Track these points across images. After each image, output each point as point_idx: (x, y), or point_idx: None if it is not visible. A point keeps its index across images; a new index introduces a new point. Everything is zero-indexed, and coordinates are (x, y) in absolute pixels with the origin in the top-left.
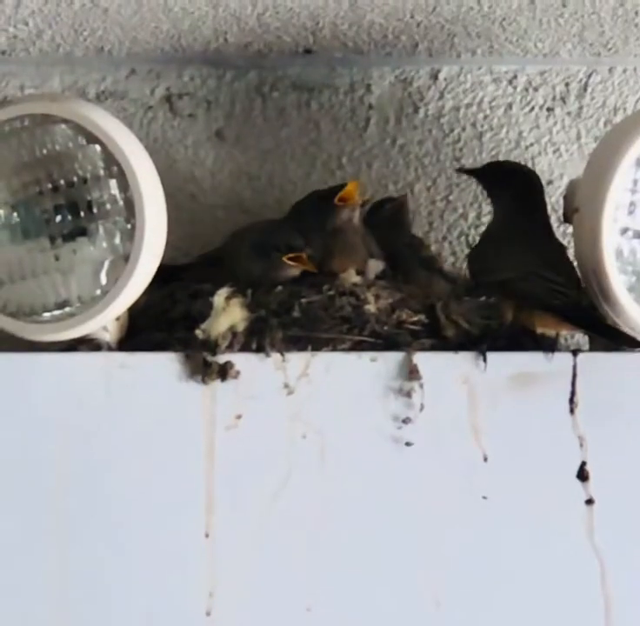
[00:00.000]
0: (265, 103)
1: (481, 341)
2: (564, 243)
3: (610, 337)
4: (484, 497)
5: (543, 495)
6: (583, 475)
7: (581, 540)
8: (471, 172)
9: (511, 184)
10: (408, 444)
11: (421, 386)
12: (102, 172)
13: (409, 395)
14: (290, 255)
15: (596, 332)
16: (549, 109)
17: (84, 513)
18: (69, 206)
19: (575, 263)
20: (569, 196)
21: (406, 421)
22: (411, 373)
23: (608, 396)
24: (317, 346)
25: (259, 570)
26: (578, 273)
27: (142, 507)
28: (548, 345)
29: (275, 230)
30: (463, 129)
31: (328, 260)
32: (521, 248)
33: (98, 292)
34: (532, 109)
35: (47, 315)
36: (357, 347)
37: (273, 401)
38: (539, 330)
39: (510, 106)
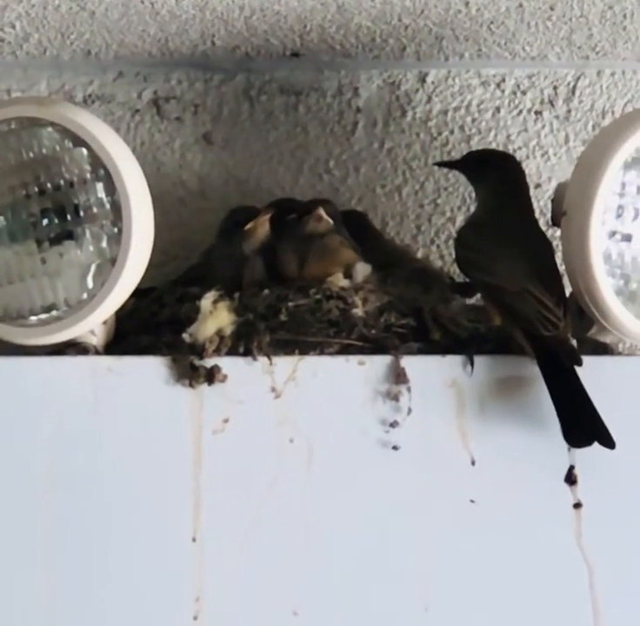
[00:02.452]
0: (253, 107)
1: (468, 345)
2: (553, 246)
3: (569, 384)
4: (472, 501)
5: (531, 498)
6: (571, 478)
7: (569, 544)
8: (451, 164)
9: (492, 170)
10: (395, 448)
11: (408, 390)
12: (88, 175)
13: (396, 398)
14: (250, 224)
15: (553, 377)
16: (537, 113)
17: (72, 517)
18: (55, 209)
19: (563, 267)
20: (557, 200)
21: (394, 424)
22: (399, 377)
23: (596, 399)
24: (305, 350)
25: (246, 574)
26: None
27: (129, 511)
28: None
29: (233, 211)
30: (451, 132)
31: (306, 265)
32: (510, 246)
33: (85, 296)
34: (520, 112)
35: (34, 318)
36: (345, 350)
37: (260, 405)
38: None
39: (497, 109)
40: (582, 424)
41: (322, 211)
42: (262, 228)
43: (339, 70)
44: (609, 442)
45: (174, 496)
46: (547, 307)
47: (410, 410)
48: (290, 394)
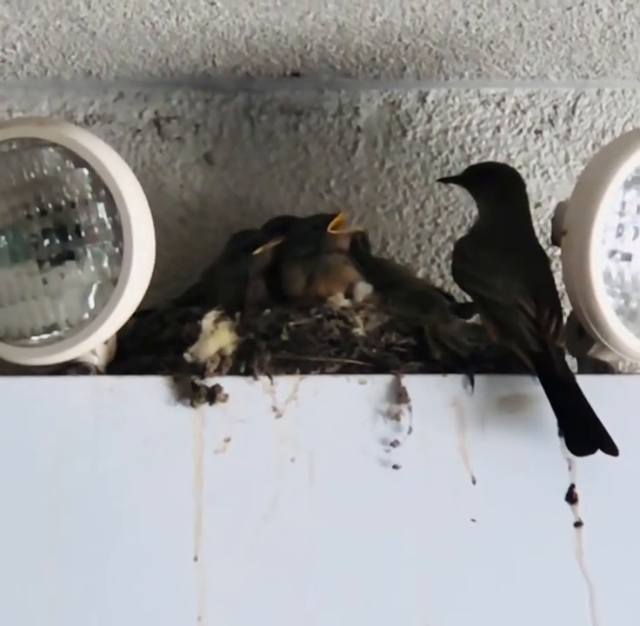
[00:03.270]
0: (253, 127)
1: (469, 364)
2: (552, 266)
3: (560, 398)
4: (473, 520)
5: (532, 517)
6: (571, 497)
7: (570, 562)
8: (453, 180)
9: (492, 182)
10: (396, 467)
11: (409, 409)
12: (90, 196)
13: (397, 418)
14: (258, 251)
15: (552, 388)
16: (537, 132)
17: (73, 536)
18: (57, 230)
19: (563, 286)
20: (557, 219)
21: (395, 444)
22: (400, 396)
23: None
24: (306, 369)
25: (248, 593)
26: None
27: (131, 530)
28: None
29: (240, 235)
30: (452, 151)
31: (312, 283)
32: (507, 260)
33: (86, 316)
34: (520, 131)
35: (35, 338)
36: (346, 370)
37: (262, 424)
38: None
39: (498, 129)
40: (584, 433)
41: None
42: (268, 253)
43: (339, 90)
44: (612, 450)
45: (176, 516)
46: (536, 322)
47: (410, 429)
48: (291, 413)
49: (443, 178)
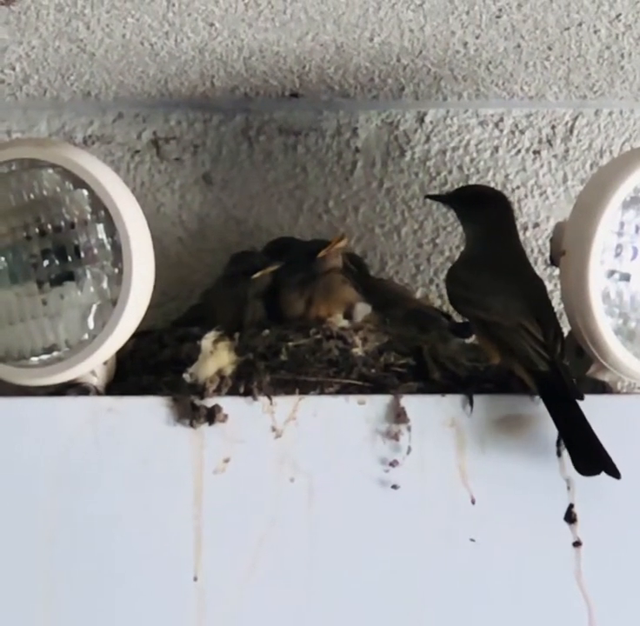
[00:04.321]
0: (252, 147)
1: (468, 384)
2: (551, 285)
3: (572, 416)
4: (472, 540)
5: (531, 537)
6: (570, 517)
7: (569, 582)
8: (442, 198)
9: (484, 207)
10: (395, 487)
11: (408, 429)
12: (89, 217)
13: (396, 438)
14: (257, 274)
15: (557, 409)
16: (535, 152)
17: (73, 556)
18: (56, 251)
19: (561, 306)
20: (555, 239)
21: (394, 464)
22: (399, 416)
23: None
24: (305, 389)
25: (247, 613)
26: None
27: (130, 550)
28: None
29: (240, 257)
30: (450, 172)
31: (311, 305)
32: (504, 282)
33: (86, 336)
34: (519, 151)
35: (35, 359)
36: (345, 390)
37: (261, 444)
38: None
39: (496, 149)
40: (589, 454)
41: (342, 242)
42: (266, 277)
43: (338, 111)
44: (614, 472)
45: (175, 536)
46: (540, 342)
47: (409, 449)
48: (290, 433)
49: (431, 195)
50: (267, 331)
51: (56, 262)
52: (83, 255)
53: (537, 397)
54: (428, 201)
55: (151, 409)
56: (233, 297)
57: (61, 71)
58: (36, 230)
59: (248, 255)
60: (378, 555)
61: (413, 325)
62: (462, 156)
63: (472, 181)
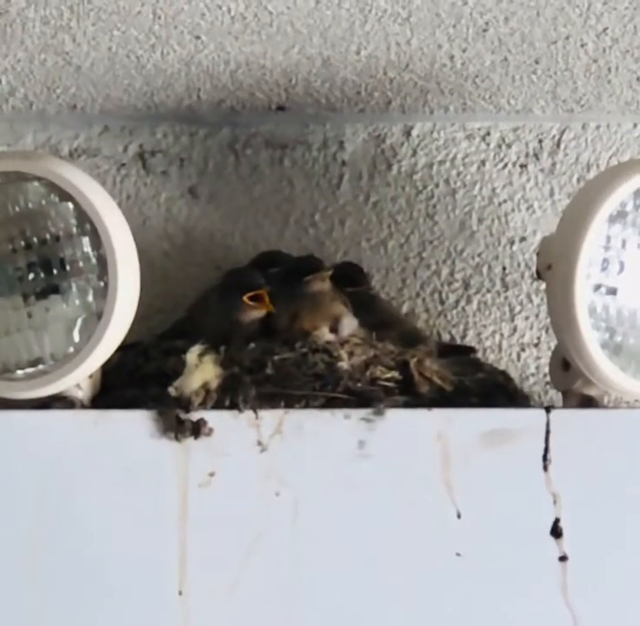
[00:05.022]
0: (238, 160)
1: (454, 398)
2: (537, 299)
3: None
4: (458, 554)
5: (517, 551)
6: (556, 531)
7: (555, 597)
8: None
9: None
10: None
11: (391, 444)
12: (74, 230)
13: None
14: (250, 294)
15: None
16: (522, 166)
17: (57, 570)
18: (42, 264)
19: (548, 320)
20: (542, 253)
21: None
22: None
23: (581, 453)
24: (290, 403)
25: None
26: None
27: (115, 564)
28: None
29: (236, 273)
30: (437, 185)
31: (297, 319)
32: None
33: (71, 350)
34: (505, 165)
35: (20, 372)
36: (331, 404)
37: (246, 458)
38: None
39: (483, 163)
40: None
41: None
42: (258, 312)
43: (324, 124)
44: None
45: (160, 550)
46: None
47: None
48: (276, 447)
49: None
50: (252, 345)
51: (42, 275)
52: (68, 268)
53: (524, 411)
54: (414, 215)
55: (136, 423)
56: (225, 312)
57: (47, 84)
58: (22, 243)
59: (244, 272)
60: (364, 569)
61: (406, 346)
62: (448, 169)
63: (459, 195)
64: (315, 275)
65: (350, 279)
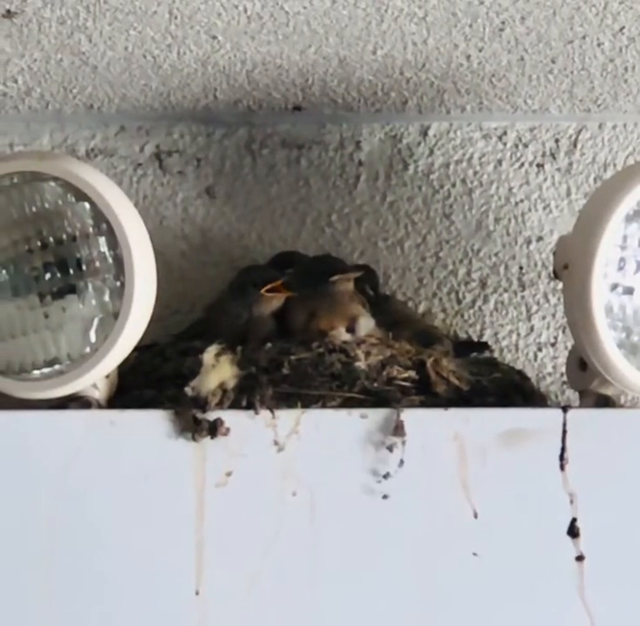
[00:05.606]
0: (255, 161)
1: (471, 398)
2: (554, 299)
3: None
4: (475, 554)
5: (534, 551)
6: (573, 531)
7: (571, 596)
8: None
9: None
10: (385, 497)
11: (403, 443)
12: (91, 230)
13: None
14: (267, 286)
15: None
16: (539, 166)
17: (74, 570)
18: (58, 264)
19: (564, 320)
20: (559, 253)
21: (391, 476)
22: (397, 429)
23: (598, 452)
24: (307, 403)
25: None
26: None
27: (132, 564)
28: None
29: (249, 269)
30: (453, 185)
31: (314, 317)
32: None
33: (88, 350)
34: (522, 165)
35: (37, 372)
36: (347, 404)
37: (263, 458)
38: None
39: (499, 162)
40: None
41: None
42: (277, 300)
43: (341, 124)
44: None
45: (177, 550)
46: None
47: (402, 462)
48: (292, 447)
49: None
50: (269, 345)
51: (58, 275)
52: (85, 268)
53: (541, 410)
54: (431, 214)
55: (153, 423)
56: (239, 311)
57: (63, 84)
58: (38, 243)
59: (256, 268)
60: (381, 568)
61: (420, 345)
62: (465, 169)
63: (476, 194)
64: (343, 275)
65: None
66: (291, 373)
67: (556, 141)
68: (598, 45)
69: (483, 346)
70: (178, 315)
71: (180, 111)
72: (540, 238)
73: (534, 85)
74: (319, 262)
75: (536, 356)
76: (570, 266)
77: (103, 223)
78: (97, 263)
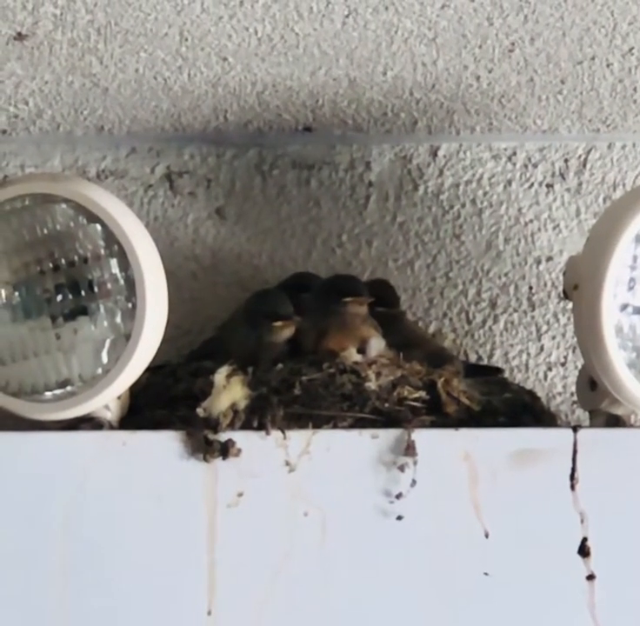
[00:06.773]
0: (265, 181)
1: (482, 418)
2: (564, 319)
3: None
4: (486, 574)
5: (545, 570)
6: (584, 550)
7: (582, 616)
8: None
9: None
10: (399, 518)
11: (415, 463)
12: (102, 251)
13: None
14: (279, 323)
15: None
16: (548, 186)
17: (86, 592)
18: (70, 285)
19: (574, 339)
20: (568, 273)
21: (402, 497)
22: (408, 449)
23: (608, 472)
24: (318, 423)
25: None
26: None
27: (144, 585)
28: None
29: (264, 298)
30: (463, 205)
31: (325, 337)
32: None
33: (100, 371)
34: (532, 185)
35: (48, 394)
36: (358, 424)
37: (274, 479)
38: None
39: (509, 183)
40: None
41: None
42: (288, 330)
43: (351, 145)
44: None
45: (189, 570)
46: None
47: (414, 482)
48: (303, 468)
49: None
50: (280, 365)
51: (70, 296)
52: (96, 289)
53: (551, 430)
54: (441, 235)
55: (165, 444)
56: (251, 340)
57: (74, 106)
58: (50, 265)
59: (269, 293)
60: (392, 589)
61: (431, 366)
62: (475, 189)
63: (485, 215)
64: (356, 299)
65: (380, 299)
66: (302, 394)
67: (566, 161)
68: (607, 66)
69: (496, 371)
70: (190, 335)
71: (191, 133)
72: (550, 258)
73: (543, 106)
74: (334, 282)
75: (546, 376)
76: (580, 286)
77: (115, 245)
78: (109, 285)
